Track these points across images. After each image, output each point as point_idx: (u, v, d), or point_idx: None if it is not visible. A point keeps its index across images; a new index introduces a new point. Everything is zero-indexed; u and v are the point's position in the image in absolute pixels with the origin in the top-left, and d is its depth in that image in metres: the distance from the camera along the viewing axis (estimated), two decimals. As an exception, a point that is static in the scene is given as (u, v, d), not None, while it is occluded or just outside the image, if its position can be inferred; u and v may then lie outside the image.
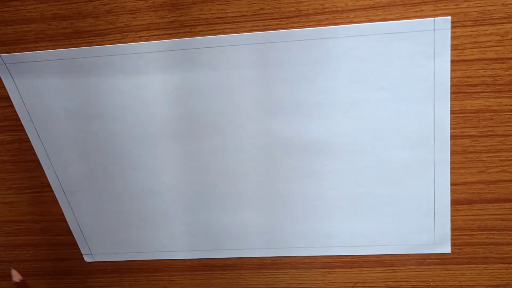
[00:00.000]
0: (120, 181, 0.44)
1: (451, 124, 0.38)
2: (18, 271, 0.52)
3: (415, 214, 0.41)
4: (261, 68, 0.37)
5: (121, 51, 0.38)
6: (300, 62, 0.37)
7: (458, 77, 0.36)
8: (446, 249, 0.43)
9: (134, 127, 0.41)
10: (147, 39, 0.37)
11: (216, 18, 0.36)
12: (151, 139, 0.41)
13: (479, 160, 0.39)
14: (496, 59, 0.35)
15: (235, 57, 0.37)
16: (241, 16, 0.36)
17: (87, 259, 0.50)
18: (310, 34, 0.36)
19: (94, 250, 0.49)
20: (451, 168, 0.39)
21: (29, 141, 0.42)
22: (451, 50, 0.35)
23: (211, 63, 0.37)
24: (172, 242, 0.47)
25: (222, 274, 0.49)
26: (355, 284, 0.46)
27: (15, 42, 0.38)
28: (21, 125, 0.42)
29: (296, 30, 0.36)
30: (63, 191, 0.45)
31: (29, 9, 0.37)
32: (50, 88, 0.40)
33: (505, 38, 0.34)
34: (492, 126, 0.38)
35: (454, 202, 0.41)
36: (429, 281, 0.45)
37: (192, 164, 0.42)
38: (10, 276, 0.52)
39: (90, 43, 0.38)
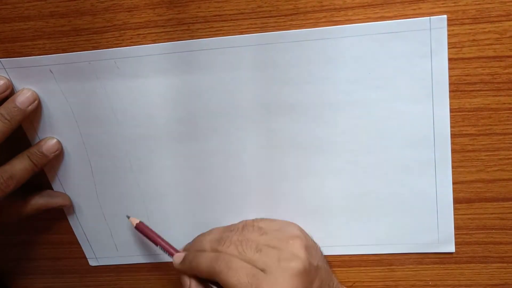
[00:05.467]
0: (121, 184, 0.44)
1: (449, 122, 0.38)
2: (16, 271, 0.52)
3: (417, 213, 0.41)
4: (260, 70, 0.37)
5: (120, 55, 0.38)
6: (298, 62, 0.37)
7: (456, 76, 0.36)
8: (450, 248, 0.42)
9: (135, 130, 0.41)
10: (144, 36, 0.37)
11: (214, 15, 0.36)
12: (152, 141, 0.41)
13: (478, 159, 0.39)
14: (494, 57, 0.35)
15: (233, 59, 0.37)
16: (239, 13, 0.36)
17: (91, 263, 0.50)
18: (307, 35, 0.36)
19: (98, 254, 0.49)
20: (450, 167, 0.39)
21: (30, 145, 0.42)
22: (449, 48, 0.35)
23: (210, 65, 0.37)
24: (175, 244, 0.47)
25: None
26: (354, 283, 0.46)
27: (13, 39, 0.38)
28: (22, 129, 0.42)
29: (293, 31, 0.36)
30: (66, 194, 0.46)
31: (26, 7, 0.37)
32: (50, 92, 0.40)
33: (503, 36, 0.34)
34: (490, 125, 0.38)
35: (453, 201, 0.41)
36: (427, 280, 0.45)
37: (192, 166, 0.42)
38: (13, 273, 0.53)
39: (88, 41, 0.38)
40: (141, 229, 0.43)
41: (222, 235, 0.40)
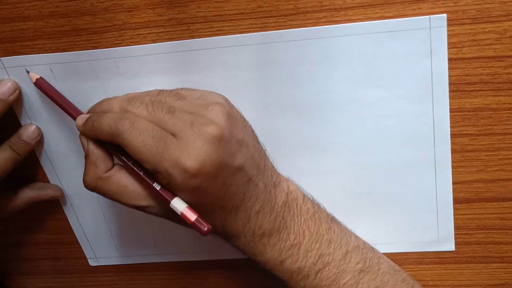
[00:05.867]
0: None
1: (449, 122, 0.38)
2: (16, 271, 0.52)
3: (417, 212, 0.41)
4: (259, 69, 0.37)
5: (120, 55, 0.38)
6: (297, 62, 0.37)
7: (456, 75, 0.36)
8: (450, 246, 0.42)
9: None
10: (144, 36, 0.37)
11: (214, 15, 0.36)
12: None
13: (478, 159, 0.39)
14: (494, 57, 0.35)
15: (233, 58, 0.37)
16: (239, 13, 0.36)
17: (91, 263, 0.50)
18: (307, 34, 0.36)
19: (98, 254, 0.49)
20: (450, 167, 0.39)
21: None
22: (449, 48, 0.35)
23: (210, 64, 0.37)
24: (175, 245, 0.47)
25: (221, 273, 0.49)
26: (354, 283, 0.46)
27: (13, 39, 0.38)
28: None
29: (293, 30, 0.36)
30: (66, 195, 0.45)
31: (26, 7, 0.37)
32: None
33: (503, 36, 0.34)
34: (490, 125, 0.38)
35: (453, 201, 0.41)
36: (427, 280, 0.45)
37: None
38: (13, 273, 0.53)
39: (88, 41, 0.38)
40: (41, 86, 0.39)
41: (134, 96, 0.35)
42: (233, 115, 0.34)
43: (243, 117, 0.36)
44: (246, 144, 0.34)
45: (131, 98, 0.35)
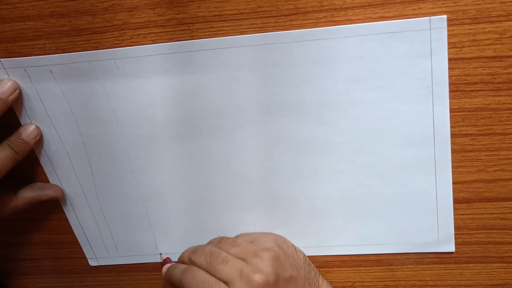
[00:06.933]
0: (122, 184, 0.44)
1: (449, 122, 0.38)
2: (16, 271, 0.52)
3: (417, 213, 0.41)
4: (260, 70, 0.37)
5: (119, 55, 0.38)
6: (297, 63, 0.37)
7: (456, 75, 0.36)
8: (450, 247, 0.42)
9: (135, 130, 0.41)
10: (144, 36, 0.37)
11: (214, 15, 0.36)
12: (152, 141, 0.41)
13: (478, 159, 0.39)
14: (494, 57, 0.35)
15: (233, 59, 0.37)
16: (239, 13, 0.36)
17: (91, 263, 0.50)
18: (307, 35, 0.36)
19: (98, 254, 0.49)
20: (450, 167, 0.39)
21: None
22: (449, 48, 0.35)
23: (210, 65, 0.38)
24: (175, 244, 0.47)
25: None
26: (354, 283, 0.46)
27: (13, 39, 0.38)
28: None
29: (293, 32, 0.36)
30: (66, 195, 0.45)
31: (26, 7, 0.37)
32: (50, 92, 0.40)
33: (503, 36, 0.34)
34: (490, 125, 0.38)
35: (453, 201, 0.41)
36: (427, 280, 0.45)
37: (192, 166, 0.42)
38: (13, 273, 0.53)
39: (88, 41, 0.38)
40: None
41: (199, 246, 0.42)
42: (281, 257, 0.39)
43: (294, 249, 0.42)
44: (294, 279, 0.39)
45: (196, 249, 0.41)
